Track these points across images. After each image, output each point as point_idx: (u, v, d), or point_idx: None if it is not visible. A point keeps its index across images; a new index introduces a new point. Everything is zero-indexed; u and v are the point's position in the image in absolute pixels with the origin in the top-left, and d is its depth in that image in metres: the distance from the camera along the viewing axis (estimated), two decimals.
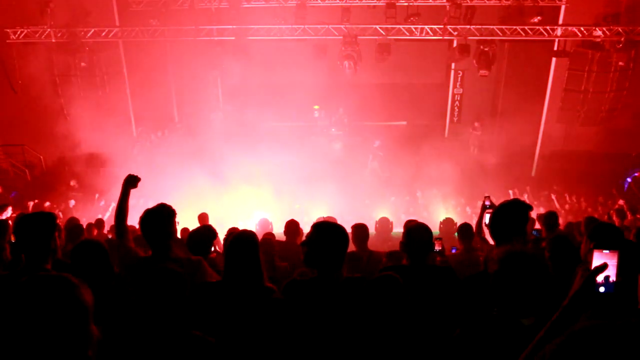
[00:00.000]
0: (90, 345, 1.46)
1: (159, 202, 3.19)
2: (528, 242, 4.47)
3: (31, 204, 11.23)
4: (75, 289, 1.47)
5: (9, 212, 8.34)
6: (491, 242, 3.20)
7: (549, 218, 5.42)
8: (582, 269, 2.24)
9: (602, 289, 2.13)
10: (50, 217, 2.78)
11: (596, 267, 2.11)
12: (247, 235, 2.74)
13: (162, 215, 3.06)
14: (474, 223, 5.96)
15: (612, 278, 2.13)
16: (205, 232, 3.98)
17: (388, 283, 2.54)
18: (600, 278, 2.15)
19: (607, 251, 2.14)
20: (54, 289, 1.44)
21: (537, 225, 6.07)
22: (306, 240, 2.75)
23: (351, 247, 4.99)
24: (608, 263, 2.13)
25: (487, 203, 4.94)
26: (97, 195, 11.95)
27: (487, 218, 4.79)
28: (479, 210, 5.24)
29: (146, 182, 10.82)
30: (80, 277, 2.67)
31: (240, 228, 5.80)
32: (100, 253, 2.81)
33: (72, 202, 11.97)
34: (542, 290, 2.06)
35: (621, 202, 10.99)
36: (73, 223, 6.43)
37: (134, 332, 2.20)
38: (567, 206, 11.88)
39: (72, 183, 12.77)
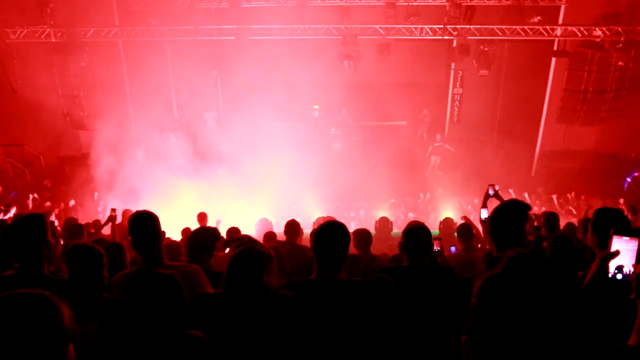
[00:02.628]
0: None
1: (159, 203, 3.16)
2: (528, 242, 4.46)
3: (31, 197, 11.25)
4: (56, 313, 1.29)
5: (13, 211, 8.38)
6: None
7: (549, 218, 5.39)
8: (600, 254, 2.24)
9: (619, 276, 2.12)
10: (39, 219, 2.72)
11: (608, 253, 2.11)
12: (254, 253, 2.64)
13: (150, 219, 2.97)
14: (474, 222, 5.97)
15: (630, 265, 2.11)
16: (208, 234, 3.92)
17: (380, 286, 2.54)
18: (618, 264, 2.13)
19: (627, 238, 2.13)
20: (33, 312, 1.26)
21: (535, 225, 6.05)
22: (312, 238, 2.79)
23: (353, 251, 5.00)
24: (627, 250, 2.12)
25: (491, 192, 4.88)
26: (96, 195, 11.95)
27: (484, 213, 4.77)
28: (479, 210, 5.22)
29: (147, 182, 10.73)
30: (74, 282, 2.68)
31: (240, 228, 5.81)
32: (94, 258, 2.77)
33: (72, 202, 11.98)
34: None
35: (621, 201, 10.99)
36: (72, 222, 6.43)
37: (129, 337, 2.19)
38: (567, 206, 11.88)
39: (46, 183, 12.77)
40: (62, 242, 4.77)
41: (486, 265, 3.48)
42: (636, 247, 2.11)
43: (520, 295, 1.11)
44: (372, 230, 8.16)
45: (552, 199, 12.15)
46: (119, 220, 7.37)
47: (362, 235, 4.91)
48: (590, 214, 7.79)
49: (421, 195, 12.87)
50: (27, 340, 1.23)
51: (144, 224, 2.96)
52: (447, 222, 7.10)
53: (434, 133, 14.46)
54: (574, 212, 11.37)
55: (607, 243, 2.17)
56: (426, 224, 3.32)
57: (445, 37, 12.28)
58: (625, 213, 8.05)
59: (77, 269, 2.67)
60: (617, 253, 2.12)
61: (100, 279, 2.65)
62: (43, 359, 1.25)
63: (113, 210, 6.43)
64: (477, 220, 6.02)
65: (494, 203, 4.07)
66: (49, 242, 2.71)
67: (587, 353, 1.17)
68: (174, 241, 5.36)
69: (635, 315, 1.83)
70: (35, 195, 11.54)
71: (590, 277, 2.22)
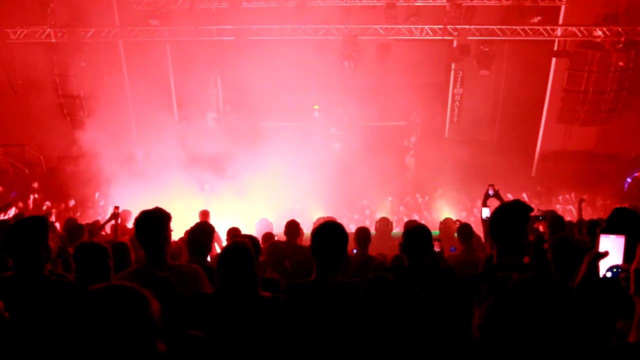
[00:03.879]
0: None
1: (158, 204, 3.15)
2: (529, 243, 4.45)
3: (31, 197, 11.25)
4: (146, 302, 1.36)
5: (12, 212, 8.39)
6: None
7: (555, 222, 5.34)
8: (588, 255, 2.25)
9: (609, 274, 2.12)
10: (41, 222, 2.72)
11: (597, 253, 2.12)
12: (240, 245, 2.62)
13: (157, 218, 2.98)
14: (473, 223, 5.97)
15: (619, 263, 2.11)
16: (203, 229, 3.93)
17: (380, 284, 2.54)
18: (607, 263, 2.13)
19: (614, 235, 2.13)
20: (126, 302, 1.32)
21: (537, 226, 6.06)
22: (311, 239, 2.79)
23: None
24: (614, 248, 2.12)
25: (491, 192, 4.87)
26: (97, 194, 11.96)
27: (485, 212, 4.77)
28: (480, 210, 5.22)
29: (147, 183, 10.71)
30: (80, 280, 2.69)
31: (240, 228, 5.81)
32: (102, 255, 2.77)
33: (72, 202, 11.98)
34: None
35: (626, 205, 10.99)
36: (72, 224, 6.41)
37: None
38: (564, 206, 11.90)
39: (35, 186, 12.76)
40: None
41: (484, 271, 3.47)
42: (623, 244, 2.12)
43: (527, 323, 1.08)
44: (372, 231, 8.18)
45: (551, 198, 12.16)
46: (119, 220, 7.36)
47: (361, 234, 4.92)
48: (583, 207, 7.78)
49: (417, 195, 12.88)
50: (122, 328, 1.28)
51: (149, 221, 2.96)
52: (446, 222, 7.10)
53: (422, 135, 14.37)
54: (573, 211, 11.36)
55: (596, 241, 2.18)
56: (425, 224, 3.33)
57: (445, 38, 12.28)
58: None
59: (85, 267, 2.67)
60: (606, 254, 2.12)
61: (107, 277, 2.66)
62: (135, 346, 1.29)
63: (116, 208, 6.38)
64: (478, 222, 6.02)
65: (494, 203, 4.07)
66: (49, 245, 2.70)
67: (588, 353, 1.16)
68: (174, 241, 5.36)
69: (631, 312, 1.82)
70: (36, 195, 11.55)
71: (580, 278, 2.22)
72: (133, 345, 1.29)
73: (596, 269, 2.14)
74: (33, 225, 2.69)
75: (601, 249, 2.14)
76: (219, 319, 2.51)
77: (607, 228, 2.16)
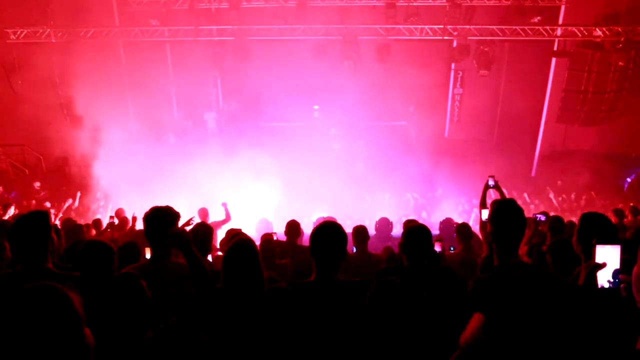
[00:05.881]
0: (87, 352, 1.44)
1: (158, 203, 3.17)
2: (532, 245, 4.44)
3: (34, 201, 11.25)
4: (66, 299, 1.43)
5: (11, 211, 8.38)
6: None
7: (556, 223, 5.31)
8: (585, 265, 2.24)
9: (607, 285, 2.12)
10: (44, 215, 2.77)
11: (596, 264, 2.12)
12: (245, 242, 2.69)
13: (166, 216, 3.03)
14: (472, 223, 5.97)
15: (617, 273, 2.12)
16: (203, 229, 3.96)
17: (389, 289, 2.52)
18: (606, 274, 2.13)
19: (610, 246, 2.13)
20: (45, 301, 1.39)
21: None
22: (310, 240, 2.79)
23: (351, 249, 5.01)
24: (610, 258, 2.12)
25: (491, 182, 4.81)
26: (98, 194, 11.94)
27: (485, 214, 4.73)
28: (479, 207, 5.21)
29: (147, 182, 10.66)
30: (83, 278, 2.69)
31: (241, 229, 5.81)
32: (107, 254, 2.80)
33: (69, 202, 11.96)
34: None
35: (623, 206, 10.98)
36: (71, 223, 6.42)
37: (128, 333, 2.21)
38: (565, 205, 11.89)
39: (37, 185, 12.74)
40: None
41: (488, 273, 3.46)
42: (619, 254, 2.12)
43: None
44: (372, 231, 8.17)
45: (550, 197, 12.16)
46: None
47: (359, 232, 4.92)
48: (580, 206, 7.68)
49: (415, 195, 12.87)
50: (45, 328, 1.35)
51: (158, 218, 3.02)
52: (447, 222, 7.09)
53: (422, 135, 14.34)
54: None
55: (592, 252, 2.17)
56: (425, 224, 3.33)
57: (445, 38, 12.29)
58: (627, 214, 8.04)
59: (90, 265, 2.70)
60: (604, 265, 2.12)
61: (111, 274, 2.68)
62: (63, 343, 1.37)
63: (112, 217, 6.52)
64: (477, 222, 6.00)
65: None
66: (52, 238, 2.76)
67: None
68: None
69: (633, 322, 1.81)
70: (43, 193, 11.55)
71: None
72: (59, 335, 1.38)
73: (594, 280, 2.13)
74: (39, 219, 2.74)
75: (597, 260, 2.13)
76: (225, 314, 2.53)
77: (602, 239, 2.16)
